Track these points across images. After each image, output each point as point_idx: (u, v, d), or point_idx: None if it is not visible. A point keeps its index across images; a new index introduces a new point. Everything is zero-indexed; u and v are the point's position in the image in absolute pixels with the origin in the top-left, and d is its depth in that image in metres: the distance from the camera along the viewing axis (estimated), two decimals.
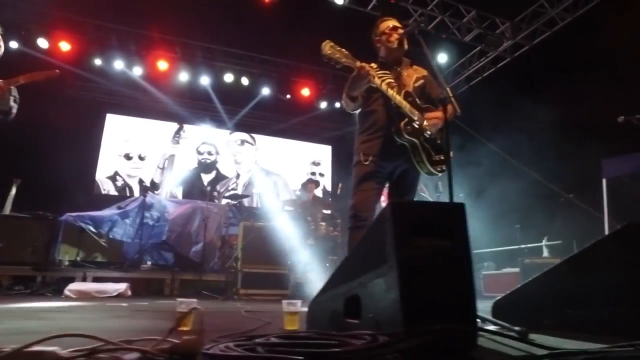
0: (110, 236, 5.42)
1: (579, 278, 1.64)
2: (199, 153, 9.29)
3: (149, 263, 5.47)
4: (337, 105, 9.30)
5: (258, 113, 9.73)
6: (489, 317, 1.57)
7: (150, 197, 5.99)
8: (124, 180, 8.50)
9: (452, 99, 2.15)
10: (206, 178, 9.21)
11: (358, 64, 2.43)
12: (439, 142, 2.55)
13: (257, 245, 5.20)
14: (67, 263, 5.07)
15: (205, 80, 8.55)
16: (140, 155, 8.77)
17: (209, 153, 9.37)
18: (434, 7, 7.82)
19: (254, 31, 7.93)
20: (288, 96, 9.10)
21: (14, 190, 5.55)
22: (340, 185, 6.84)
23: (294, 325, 1.81)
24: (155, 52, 7.95)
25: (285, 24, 7.55)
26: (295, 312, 1.82)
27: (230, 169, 9.50)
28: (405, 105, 2.52)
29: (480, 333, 1.24)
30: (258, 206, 9.31)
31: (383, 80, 2.53)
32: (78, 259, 5.11)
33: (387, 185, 2.71)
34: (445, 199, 4.33)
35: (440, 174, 2.57)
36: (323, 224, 6.42)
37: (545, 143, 7.15)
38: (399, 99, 2.51)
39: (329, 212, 6.63)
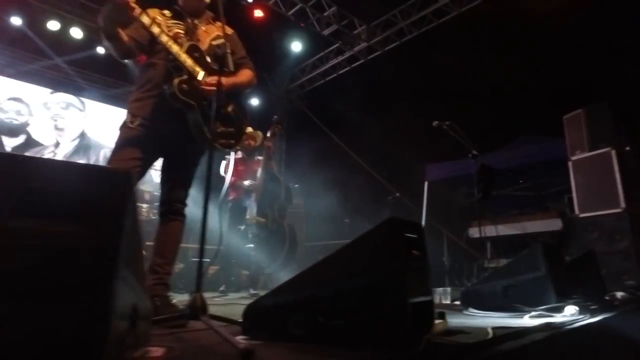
0: None
1: (331, 282, 1.42)
2: (3, 111, 7.50)
3: None
4: None
5: (92, 75, 8.35)
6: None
7: None
8: None
9: (229, 56, 1.78)
10: (10, 142, 7.49)
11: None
12: (230, 111, 2.18)
13: None
14: None
15: (17, 21, 6.94)
16: None
17: (18, 113, 7.65)
18: None
19: None
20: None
21: None
22: None
23: None
24: None
25: None
26: None
27: (47, 135, 7.91)
28: (186, 60, 2.08)
29: None
30: None
31: (169, 28, 2.08)
32: None
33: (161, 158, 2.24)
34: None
35: (227, 150, 2.20)
36: (145, 206, 5.69)
37: (383, 145, 7.57)
38: (176, 49, 2.06)
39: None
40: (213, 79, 2.05)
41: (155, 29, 2.01)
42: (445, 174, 7.00)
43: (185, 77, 2.06)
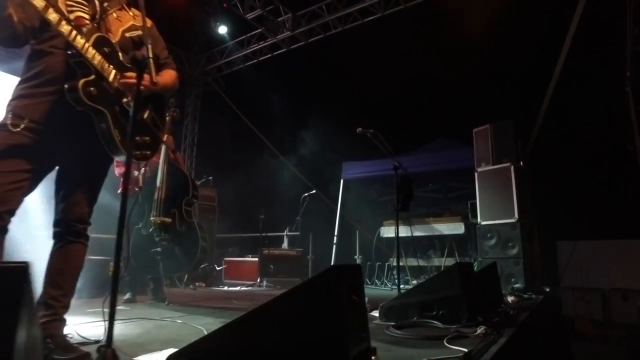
0: None
1: (270, 333, 1.28)
2: None
3: None
4: None
5: None
6: None
7: None
8: None
9: (151, 63, 1.49)
10: None
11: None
12: (146, 118, 1.88)
13: None
14: None
15: None
16: None
17: None
18: None
19: None
20: None
21: None
22: None
23: None
24: None
25: None
26: None
27: None
28: (94, 56, 1.72)
29: None
30: None
31: (70, 10, 1.68)
32: None
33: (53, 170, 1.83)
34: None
35: (141, 162, 1.90)
36: None
37: (301, 140, 7.49)
38: (81, 42, 1.68)
39: None
40: (130, 78, 1.73)
41: (53, 15, 1.59)
42: (361, 173, 7.15)
43: (92, 77, 1.70)
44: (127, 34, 1.94)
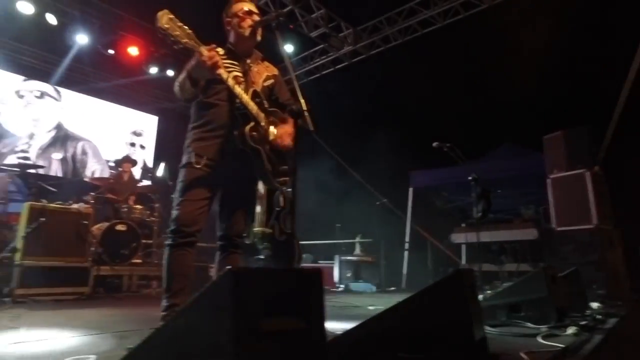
0: None
1: (410, 321, 1.63)
2: None
3: None
4: (170, 73, 8.35)
5: (69, 63, 7.99)
6: None
7: None
8: None
9: (306, 114, 1.90)
10: None
11: (204, 51, 1.97)
12: (282, 150, 2.31)
13: (49, 232, 4.17)
14: None
15: None
16: None
17: None
18: None
19: None
20: (111, 51, 7.71)
21: None
22: (162, 165, 6.10)
23: None
24: None
25: None
26: None
27: (20, 125, 7.56)
28: (253, 107, 2.17)
29: None
30: (58, 175, 7.70)
31: (230, 73, 2.13)
32: None
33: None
34: None
35: (283, 187, 2.33)
36: (138, 207, 5.63)
37: (369, 150, 7.81)
38: (246, 98, 2.15)
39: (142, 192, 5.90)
40: (285, 130, 2.22)
41: (231, 81, 2.06)
42: (430, 182, 7.36)
43: (252, 123, 2.15)
44: (265, 84, 2.38)
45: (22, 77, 7.66)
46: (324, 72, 9.75)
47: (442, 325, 1.60)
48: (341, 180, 6.95)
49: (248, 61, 2.34)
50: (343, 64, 9.44)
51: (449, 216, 7.00)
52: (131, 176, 6.16)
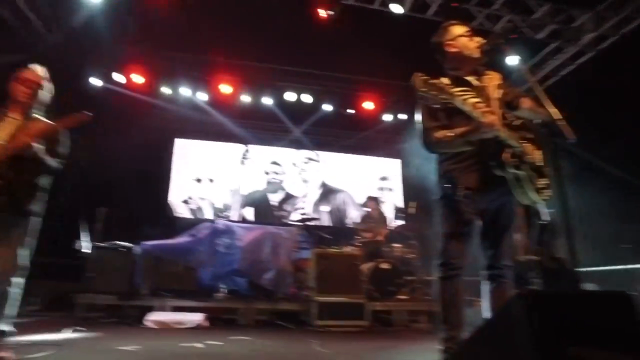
0: (185, 264, 5.49)
1: None
2: (266, 173, 9.36)
3: (224, 290, 5.48)
4: (403, 117, 8.97)
5: (321, 129, 9.59)
6: None
7: (220, 224, 6.03)
8: (196, 203, 8.75)
9: (560, 123, 1.75)
10: (275, 198, 9.23)
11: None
12: (538, 164, 2.15)
13: (331, 273, 5.01)
14: (145, 292, 5.19)
15: (267, 101, 8.62)
16: (210, 178, 9.00)
17: (276, 173, 9.42)
18: (500, 6, 7.21)
19: (313, 47, 7.85)
20: (351, 111, 8.91)
21: (99, 221, 5.84)
22: (413, 204, 6.47)
23: None
24: (218, 77, 8.15)
25: (344, 38, 7.40)
26: None
27: (298, 187, 9.46)
28: (504, 132, 2.12)
29: None
30: (329, 224, 9.14)
31: (474, 106, 2.11)
32: (156, 287, 5.22)
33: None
34: None
35: (545, 201, 2.17)
36: (397, 245, 6.10)
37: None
38: (505, 135, 2.12)
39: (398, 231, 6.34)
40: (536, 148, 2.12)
41: (475, 113, 2.08)
42: None
43: (509, 149, 2.11)
44: (497, 96, 2.29)
45: (294, 149, 9.63)
46: (563, 73, 8.56)
47: None
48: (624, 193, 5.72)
49: (475, 80, 2.31)
50: (587, 56, 8.09)
51: None
52: (380, 213, 6.74)
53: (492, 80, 2.36)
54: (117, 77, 7.74)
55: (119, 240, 5.54)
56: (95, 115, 2.69)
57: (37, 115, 2.76)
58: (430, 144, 2.24)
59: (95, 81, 7.70)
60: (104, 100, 7.54)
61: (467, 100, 2.09)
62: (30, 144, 2.52)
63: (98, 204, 6.08)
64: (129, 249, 5.45)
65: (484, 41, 2.35)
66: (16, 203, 2.57)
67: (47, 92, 2.83)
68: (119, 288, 4.99)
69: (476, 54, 2.31)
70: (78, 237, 5.46)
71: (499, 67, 2.51)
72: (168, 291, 5.18)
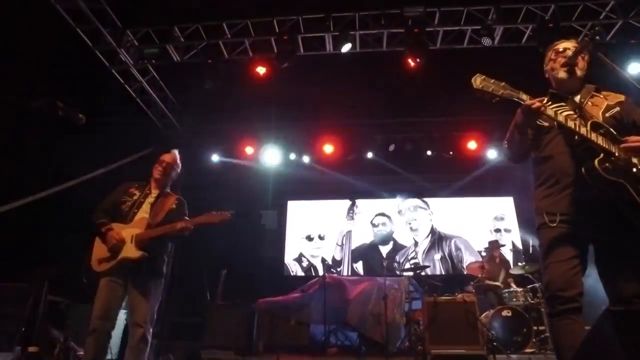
0: (297, 320, 5.62)
1: None
2: (374, 225, 9.34)
3: (335, 344, 5.44)
4: None
5: (427, 176, 9.40)
6: None
7: (329, 278, 6.10)
8: (308, 260, 9.04)
9: None
10: (384, 250, 9.09)
11: (524, 96, 1.98)
12: None
13: (445, 322, 4.66)
14: (261, 348, 5.40)
15: (369, 155, 8.80)
16: (320, 235, 9.28)
17: (384, 224, 9.34)
18: (610, 12, 6.48)
19: (408, 97, 7.98)
20: (452, 153, 8.63)
21: (222, 278, 6.40)
22: (531, 240, 5.80)
23: None
24: (320, 139, 8.66)
25: (437, 80, 7.40)
26: None
27: (406, 237, 9.21)
28: (596, 137, 1.92)
29: None
30: (442, 273, 8.64)
31: (560, 113, 2.00)
32: (271, 343, 5.40)
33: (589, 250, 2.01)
34: None
35: None
36: (519, 290, 5.47)
37: None
38: (583, 131, 1.94)
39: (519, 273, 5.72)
40: (635, 138, 1.89)
41: (561, 117, 1.97)
42: None
43: (601, 155, 1.90)
44: (607, 114, 2.10)
45: (400, 199, 9.52)
46: None
47: None
48: None
49: (577, 98, 2.17)
50: None
51: None
52: (502, 259, 6.15)
53: (607, 98, 2.19)
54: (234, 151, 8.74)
55: (238, 299, 5.95)
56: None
57: (169, 191, 3.31)
58: (505, 152, 2.34)
59: (215, 157, 8.76)
60: (220, 174, 8.58)
61: (522, 95, 2.01)
62: (190, 228, 2.99)
63: (220, 266, 6.69)
64: (247, 306, 5.81)
65: (569, 57, 2.19)
66: (155, 269, 3.05)
67: (177, 170, 3.40)
68: (238, 343, 5.28)
69: (560, 74, 2.21)
70: (203, 297, 6.02)
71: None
72: (282, 347, 5.32)
